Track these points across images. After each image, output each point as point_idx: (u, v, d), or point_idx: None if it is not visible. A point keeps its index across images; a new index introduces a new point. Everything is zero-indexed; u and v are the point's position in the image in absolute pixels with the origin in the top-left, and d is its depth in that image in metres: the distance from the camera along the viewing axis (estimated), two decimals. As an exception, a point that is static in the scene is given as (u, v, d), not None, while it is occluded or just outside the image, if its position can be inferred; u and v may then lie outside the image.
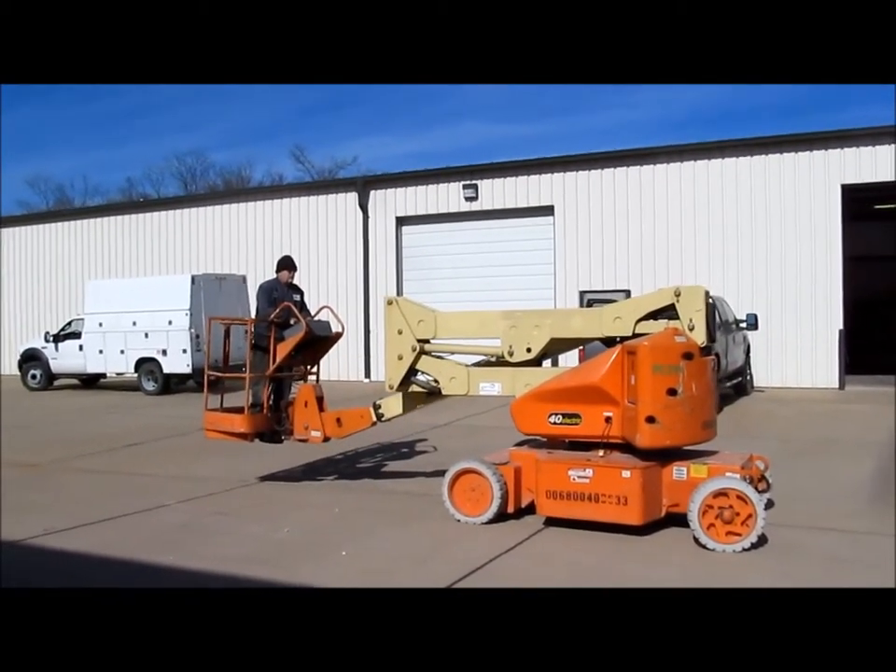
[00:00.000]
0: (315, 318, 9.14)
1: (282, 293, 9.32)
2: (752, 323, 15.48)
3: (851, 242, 18.30)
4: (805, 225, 17.88)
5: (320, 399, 8.41)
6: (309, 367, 9.32)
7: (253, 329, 8.74)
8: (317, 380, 9.13)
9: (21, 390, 21.27)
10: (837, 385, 17.51)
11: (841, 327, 17.64)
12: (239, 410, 8.66)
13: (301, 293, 9.67)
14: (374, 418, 7.97)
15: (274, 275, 9.76)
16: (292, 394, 9.11)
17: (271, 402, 8.83)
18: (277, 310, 8.82)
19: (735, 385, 15.83)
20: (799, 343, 17.90)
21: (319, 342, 9.09)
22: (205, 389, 9.16)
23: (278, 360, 8.61)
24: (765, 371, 17.85)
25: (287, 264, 9.67)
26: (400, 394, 7.75)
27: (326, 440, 8.39)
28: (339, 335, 9.22)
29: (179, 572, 5.60)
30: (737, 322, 15.55)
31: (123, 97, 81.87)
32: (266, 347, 8.67)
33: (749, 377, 16.82)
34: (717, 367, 12.97)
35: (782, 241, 18.07)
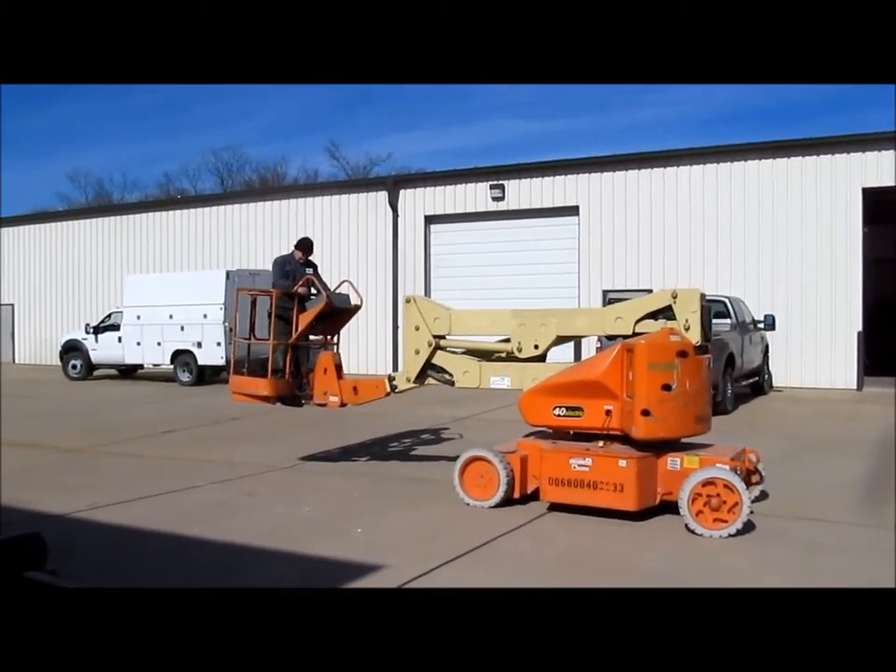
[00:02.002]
0: (336, 291, 9.73)
1: (294, 266, 9.85)
2: (770, 324, 15.73)
3: (872, 244, 18.50)
4: (826, 227, 18.12)
5: (339, 367, 9.02)
6: (329, 337, 9.89)
7: (277, 301, 9.31)
8: (337, 349, 9.70)
9: (62, 380, 22.07)
10: (855, 387, 17.75)
11: (860, 328, 17.87)
12: (263, 375, 9.27)
13: (315, 266, 10.15)
14: (388, 389, 8.55)
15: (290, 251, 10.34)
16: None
17: (292, 369, 9.40)
18: (300, 283, 9.40)
19: (752, 384, 16.14)
20: (818, 344, 18.15)
21: (339, 313, 9.70)
22: (233, 354, 9.82)
23: (300, 329, 9.21)
24: (784, 371, 18.13)
25: (303, 246, 10.15)
26: None
27: (343, 405, 8.98)
28: (357, 307, 9.85)
29: (208, 543, 6.17)
30: (755, 322, 15.86)
31: (160, 92, 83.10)
32: (289, 318, 9.26)
33: (766, 377, 17.10)
34: (732, 365, 13.39)
35: (802, 243, 18.33)
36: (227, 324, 19.32)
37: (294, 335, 9.22)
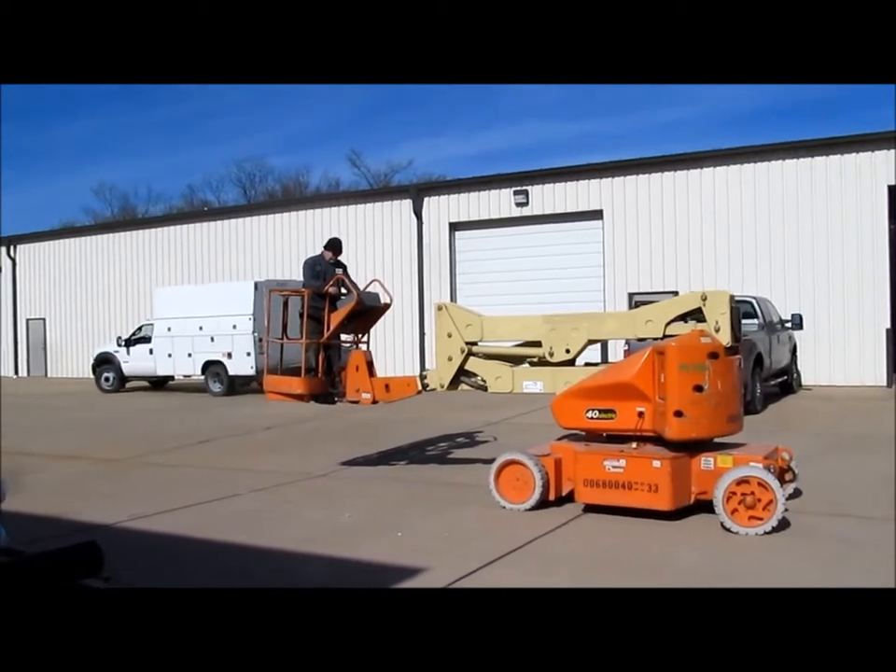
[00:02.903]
0: (366, 291, 9.92)
1: (324, 267, 10.02)
2: (797, 323, 15.78)
3: (899, 241, 18.48)
4: (852, 226, 18.11)
5: (370, 365, 9.20)
6: (360, 335, 10.08)
7: (308, 301, 9.49)
8: (367, 347, 9.88)
9: (95, 392, 22.41)
10: (885, 384, 17.70)
11: (888, 326, 17.83)
12: (296, 374, 9.49)
13: (344, 266, 10.30)
14: (420, 387, 8.75)
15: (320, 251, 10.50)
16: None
17: (325, 367, 9.58)
18: (331, 282, 9.57)
19: (781, 383, 16.15)
20: (846, 341, 18.13)
21: (369, 312, 9.89)
22: (266, 354, 9.97)
23: (332, 328, 9.41)
24: (813, 369, 18.12)
25: (333, 246, 10.32)
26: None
27: (374, 402, 9.15)
28: (387, 306, 10.03)
29: (252, 550, 6.32)
30: (782, 322, 15.88)
31: (182, 105, 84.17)
32: (320, 317, 9.45)
33: (795, 375, 17.10)
34: (760, 365, 13.43)
35: (828, 241, 18.33)
36: (256, 334, 19.54)
37: (326, 334, 9.40)
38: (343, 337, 10.10)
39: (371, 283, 10.18)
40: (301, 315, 9.51)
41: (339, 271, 10.01)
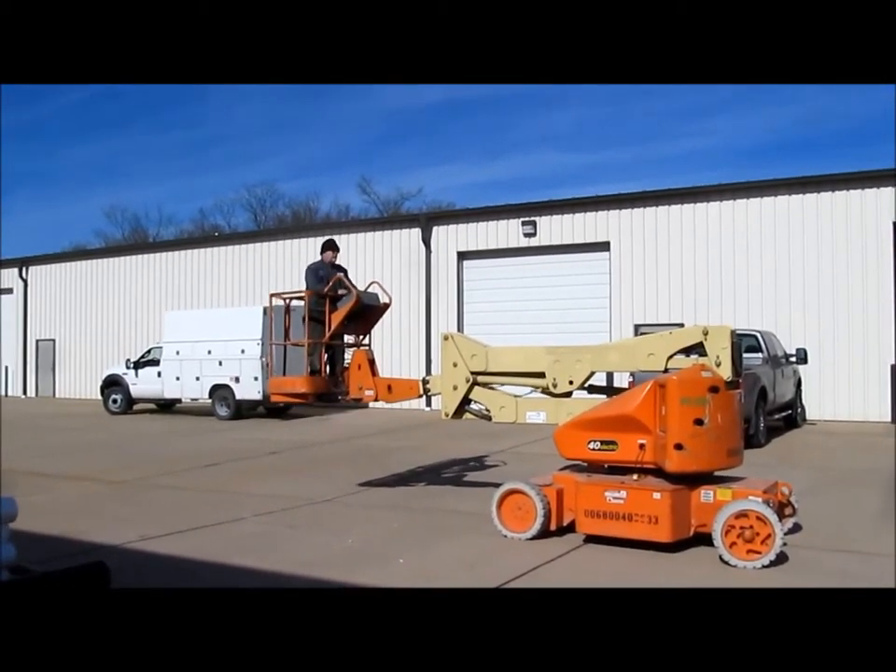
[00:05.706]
0: (365, 291, 10.14)
1: (327, 271, 10.22)
2: (802, 357, 15.84)
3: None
4: (857, 262, 18.23)
5: (372, 363, 9.42)
6: (360, 337, 10.27)
7: (309, 304, 9.73)
8: (369, 347, 10.07)
9: (102, 413, 22.54)
10: (889, 419, 17.72)
11: (893, 362, 17.88)
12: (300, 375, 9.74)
13: (345, 270, 10.48)
14: (421, 391, 9.00)
15: (319, 257, 10.74)
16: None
17: (328, 368, 9.78)
18: (329, 283, 9.76)
19: (785, 417, 16.21)
20: (851, 377, 18.18)
21: (369, 311, 10.09)
22: (271, 360, 10.19)
23: (333, 328, 9.61)
24: (818, 404, 18.16)
25: (330, 246, 10.62)
26: None
27: (377, 400, 9.40)
28: (387, 305, 10.26)
29: (256, 573, 6.41)
30: (787, 356, 15.96)
31: (196, 129, 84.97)
32: (321, 319, 9.65)
33: (799, 410, 17.15)
34: (764, 399, 13.50)
35: (834, 277, 18.43)
36: (264, 359, 19.67)
37: (327, 334, 9.59)
38: (347, 338, 10.30)
39: (370, 284, 10.42)
40: (304, 319, 9.70)
41: (340, 274, 10.21)
